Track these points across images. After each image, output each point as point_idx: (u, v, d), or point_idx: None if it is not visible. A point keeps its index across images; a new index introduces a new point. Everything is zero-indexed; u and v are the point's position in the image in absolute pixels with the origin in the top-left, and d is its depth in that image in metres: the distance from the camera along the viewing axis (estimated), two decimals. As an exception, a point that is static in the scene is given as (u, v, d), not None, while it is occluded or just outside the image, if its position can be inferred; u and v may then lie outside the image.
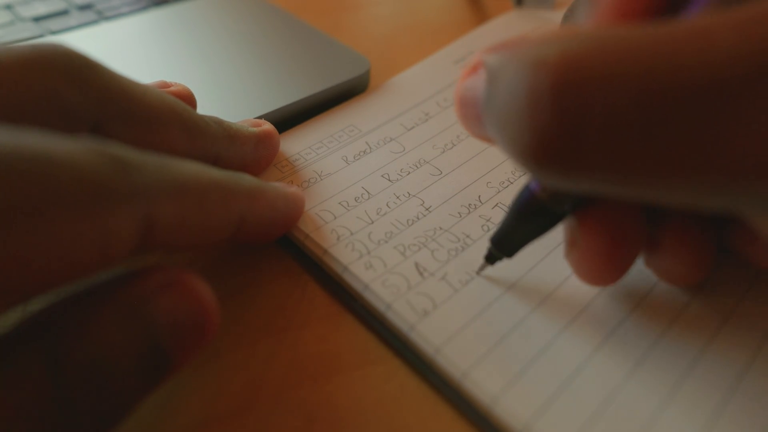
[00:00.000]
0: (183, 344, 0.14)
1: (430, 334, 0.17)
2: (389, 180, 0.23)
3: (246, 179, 0.17)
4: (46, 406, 0.12)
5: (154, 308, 0.14)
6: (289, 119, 0.25)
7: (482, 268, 0.19)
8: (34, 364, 0.12)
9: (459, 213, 0.21)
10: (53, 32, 0.29)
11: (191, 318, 0.14)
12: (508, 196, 0.22)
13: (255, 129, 0.22)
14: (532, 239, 0.18)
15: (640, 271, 0.19)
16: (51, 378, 0.12)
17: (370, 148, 0.24)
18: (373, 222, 0.21)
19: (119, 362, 0.13)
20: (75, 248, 0.12)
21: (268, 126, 0.22)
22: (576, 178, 0.13)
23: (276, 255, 0.21)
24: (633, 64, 0.11)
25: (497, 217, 0.21)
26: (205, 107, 0.24)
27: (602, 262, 0.17)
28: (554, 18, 0.33)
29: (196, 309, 0.14)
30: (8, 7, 0.31)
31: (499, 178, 0.23)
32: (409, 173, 0.23)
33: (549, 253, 0.20)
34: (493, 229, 0.20)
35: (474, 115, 0.15)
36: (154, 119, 0.17)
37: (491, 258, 0.18)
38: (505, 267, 0.19)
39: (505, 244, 0.18)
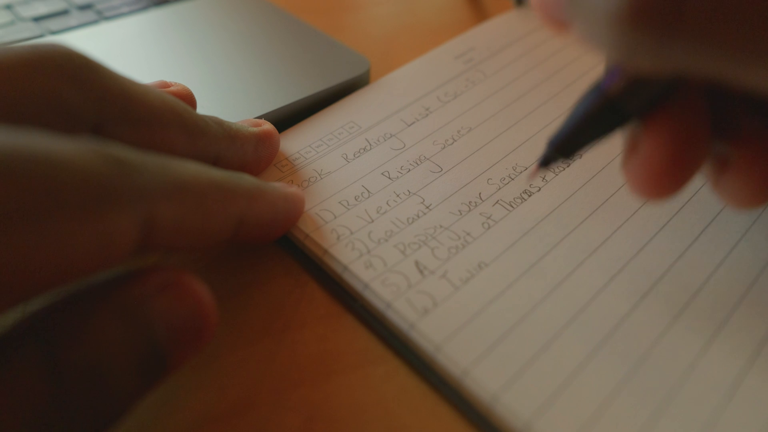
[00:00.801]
0: (181, 345, 0.14)
1: (431, 333, 0.17)
2: (389, 178, 0.23)
3: (246, 179, 0.17)
4: (43, 406, 0.12)
5: (152, 309, 0.14)
6: (289, 119, 0.25)
7: (535, 173, 0.18)
8: (31, 365, 0.12)
9: (459, 211, 0.21)
10: (53, 32, 0.29)
11: (189, 319, 0.14)
12: (509, 193, 0.22)
13: (255, 129, 0.22)
14: (594, 140, 0.17)
15: (642, 270, 0.19)
16: (48, 378, 0.12)
17: (370, 145, 0.24)
18: (373, 221, 0.21)
19: (117, 363, 0.13)
20: (75, 249, 0.12)
21: (268, 126, 0.22)
22: (670, 44, 0.12)
23: (276, 255, 0.21)
24: None
25: (498, 214, 0.21)
26: (205, 107, 0.24)
27: (664, 169, 0.16)
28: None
29: (193, 310, 0.14)
30: (8, 7, 0.31)
31: (500, 175, 0.23)
32: (409, 171, 0.23)
33: (550, 250, 0.20)
34: (494, 226, 0.20)
35: None
36: (154, 119, 0.17)
37: (547, 160, 0.17)
38: (506, 267, 0.19)
39: (567, 144, 0.17)
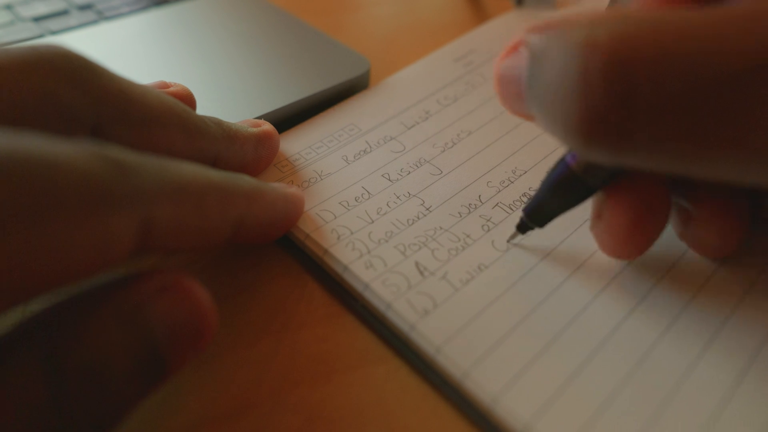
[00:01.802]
0: (180, 348, 0.14)
1: (431, 334, 0.17)
2: (389, 180, 0.23)
3: (245, 180, 0.17)
4: (42, 409, 0.12)
5: (151, 312, 0.14)
6: (289, 119, 0.25)
7: (513, 236, 0.20)
8: (31, 368, 0.12)
9: (459, 213, 0.21)
10: (53, 32, 0.29)
11: (188, 322, 0.14)
12: (509, 196, 0.22)
13: (255, 129, 0.22)
14: (563, 211, 0.18)
15: (641, 272, 0.19)
16: (48, 382, 0.12)
17: (371, 147, 0.24)
18: (373, 221, 0.21)
19: (116, 366, 0.13)
20: (73, 251, 0.12)
21: (267, 126, 0.22)
22: (622, 153, 0.13)
23: (276, 255, 0.21)
24: (684, 47, 0.12)
25: (498, 216, 0.21)
26: (205, 107, 0.24)
27: (626, 235, 0.17)
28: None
29: (193, 313, 0.14)
30: (8, 7, 0.31)
31: (500, 178, 0.23)
32: (409, 173, 0.23)
33: (550, 253, 0.20)
34: (494, 228, 0.20)
35: (514, 93, 0.16)
36: (153, 120, 0.17)
37: (523, 227, 0.19)
38: (506, 269, 0.19)
39: (537, 214, 0.19)
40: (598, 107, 0.13)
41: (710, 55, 0.12)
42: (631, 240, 0.17)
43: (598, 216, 0.18)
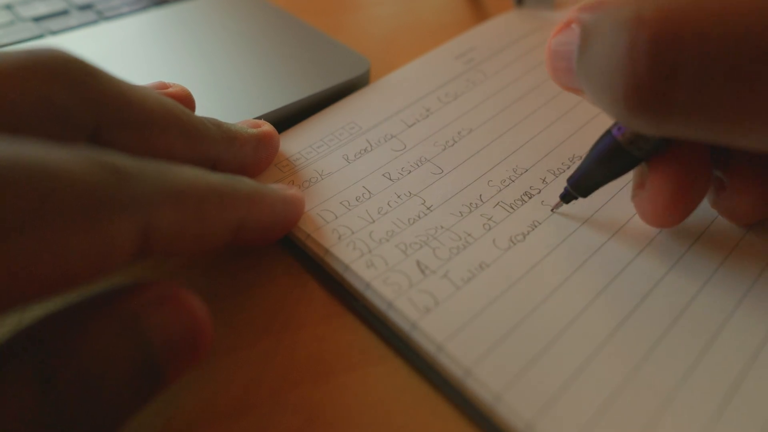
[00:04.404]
0: (176, 359, 0.14)
1: (433, 332, 0.17)
2: (390, 179, 0.22)
3: (245, 183, 0.17)
4: (36, 421, 0.12)
5: (148, 323, 0.13)
6: (289, 119, 0.25)
7: (557, 206, 0.21)
8: (25, 380, 0.12)
9: (460, 212, 0.21)
10: (53, 32, 0.29)
11: (184, 333, 0.14)
12: (510, 195, 0.22)
13: (254, 130, 0.22)
14: (606, 181, 0.20)
15: (643, 271, 0.19)
16: (42, 393, 0.12)
17: (371, 146, 0.24)
18: (374, 221, 0.21)
19: (111, 377, 0.13)
20: (72, 258, 0.12)
21: (267, 127, 0.22)
22: (664, 122, 0.15)
23: (276, 255, 0.21)
24: (725, 23, 0.13)
25: (498, 215, 0.21)
26: (204, 107, 0.24)
27: (666, 205, 0.18)
28: (555, 18, 0.33)
29: (189, 324, 0.14)
30: (8, 7, 0.31)
31: (500, 177, 0.23)
32: (410, 172, 0.23)
33: (551, 251, 0.20)
34: (495, 227, 0.20)
35: (564, 67, 0.17)
36: (153, 124, 0.17)
37: (567, 197, 0.21)
38: (507, 267, 0.19)
39: (581, 184, 0.20)
40: (643, 79, 0.14)
41: (750, 32, 0.13)
42: (674, 206, 0.18)
43: (640, 185, 0.19)
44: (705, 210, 0.21)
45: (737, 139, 0.15)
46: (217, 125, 0.20)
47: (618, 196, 0.22)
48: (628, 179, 0.22)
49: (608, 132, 0.18)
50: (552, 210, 0.21)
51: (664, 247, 0.20)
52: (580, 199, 0.21)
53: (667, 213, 0.18)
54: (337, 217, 0.21)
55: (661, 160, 0.18)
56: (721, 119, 0.14)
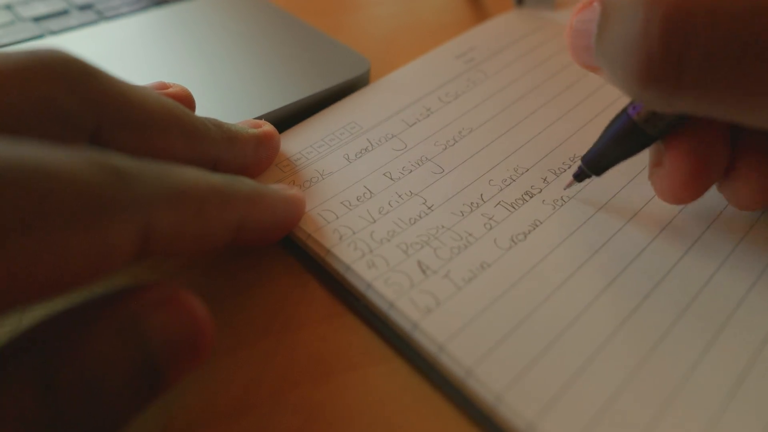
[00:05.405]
0: (176, 362, 0.14)
1: (434, 332, 0.17)
2: (391, 179, 0.22)
3: (245, 184, 0.17)
4: (36, 423, 0.11)
5: (148, 326, 0.13)
6: (289, 119, 0.25)
7: (569, 185, 0.21)
8: (25, 383, 0.12)
9: (461, 212, 0.21)
10: (53, 32, 0.29)
11: (185, 336, 0.14)
12: (510, 194, 0.22)
13: (255, 130, 0.22)
14: (620, 160, 0.20)
15: (644, 271, 0.19)
16: (42, 395, 0.12)
17: (372, 145, 0.24)
18: (375, 221, 0.21)
19: (112, 380, 0.13)
20: (72, 259, 0.12)
21: (268, 127, 0.22)
22: (676, 98, 0.15)
23: (276, 255, 0.21)
24: (735, 3, 0.14)
25: (500, 215, 0.21)
26: (204, 107, 0.24)
27: (683, 182, 0.18)
28: (555, 18, 0.33)
29: (190, 327, 0.14)
30: (8, 7, 0.31)
31: (501, 176, 0.23)
32: (411, 171, 0.23)
33: (553, 250, 0.20)
34: (496, 226, 0.20)
35: (584, 45, 0.17)
36: (153, 124, 0.17)
37: (580, 176, 0.21)
38: (508, 267, 0.19)
39: (596, 163, 0.20)
40: (656, 55, 0.15)
41: (761, 9, 0.13)
42: (692, 181, 0.18)
43: (657, 163, 0.19)
44: (716, 196, 0.21)
45: (747, 115, 0.15)
46: (217, 125, 0.20)
47: (618, 196, 0.22)
48: (628, 179, 0.22)
49: (624, 111, 0.19)
50: (564, 188, 0.21)
51: (665, 247, 0.20)
52: (581, 200, 0.21)
53: (685, 188, 0.19)
54: (338, 217, 0.21)
55: (678, 137, 0.18)
56: (731, 96, 0.15)
